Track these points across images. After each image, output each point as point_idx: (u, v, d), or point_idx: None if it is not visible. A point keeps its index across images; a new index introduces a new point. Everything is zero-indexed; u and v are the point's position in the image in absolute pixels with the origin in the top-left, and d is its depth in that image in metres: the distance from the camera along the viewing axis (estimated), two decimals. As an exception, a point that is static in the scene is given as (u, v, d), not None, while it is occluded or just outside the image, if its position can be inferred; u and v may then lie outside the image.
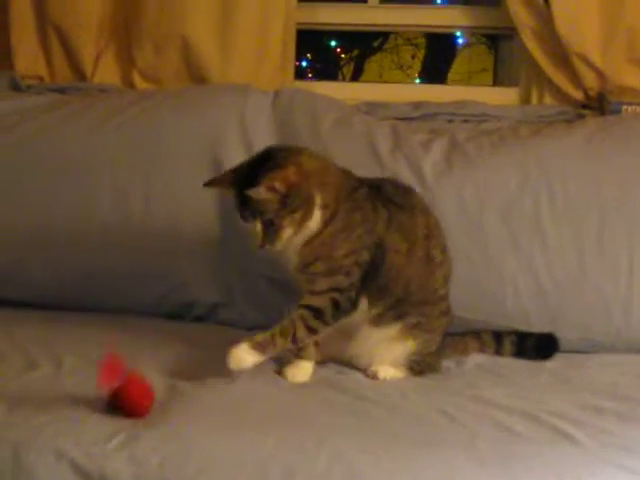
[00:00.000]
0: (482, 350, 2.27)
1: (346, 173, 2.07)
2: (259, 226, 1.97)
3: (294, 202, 1.95)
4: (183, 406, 1.88)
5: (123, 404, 1.81)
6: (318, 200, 1.98)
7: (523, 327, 2.32)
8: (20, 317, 2.41)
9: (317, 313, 1.99)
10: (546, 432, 1.83)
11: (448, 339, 2.19)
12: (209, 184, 2.05)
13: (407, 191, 2.15)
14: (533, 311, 2.34)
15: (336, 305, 1.99)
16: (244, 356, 1.93)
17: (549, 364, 2.23)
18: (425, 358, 2.11)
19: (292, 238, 1.98)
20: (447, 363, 2.18)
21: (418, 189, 2.27)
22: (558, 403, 1.96)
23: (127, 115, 2.55)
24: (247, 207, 1.96)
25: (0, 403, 1.86)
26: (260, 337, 1.95)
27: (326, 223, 1.99)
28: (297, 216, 1.96)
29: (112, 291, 2.48)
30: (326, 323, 2.00)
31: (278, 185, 1.93)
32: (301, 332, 1.98)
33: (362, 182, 2.07)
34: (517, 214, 2.36)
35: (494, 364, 2.21)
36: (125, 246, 2.45)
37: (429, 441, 1.78)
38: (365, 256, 2.01)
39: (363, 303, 2.04)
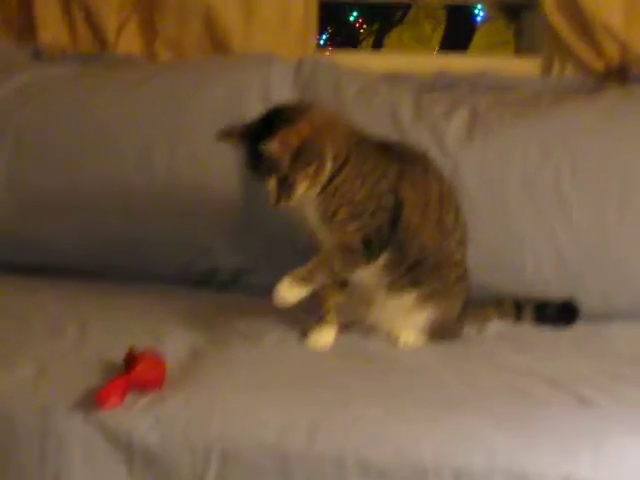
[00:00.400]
0: (502, 317, 2.28)
1: (355, 128, 2.10)
2: (273, 182, 1.99)
3: (307, 156, 1.97)
4: (208, 369, 1.92)
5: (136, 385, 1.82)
6: (329, 152, 2.00)
7: (543, 295, 2.33)
8: (45, 283, 2.43)
9: (350, 249, 2.02)
10: (565, 397, 1.86)
11: (468, 306, 2.21)
12: (221, 136, 2.06)
13: (420, 153, 2.17)
14: (553, 280, 2.35)
15: (368, 243, 2.02)
16: (288, 291, 1.97)
17: (569, 332, 2.25)
18: (445, 324, 2.12)
19: (307, 192, 2.00)
20: (467, 330, 2.20)
21: (440, 159, 2.29)
22: (578, 369, 1.98)
23: (151, 84, 2.57)
24: (260, 163, 1.98)
25: (27, 367, 1.89)
26: (300, 271, 1.98)
27: (338, 172, 2.01)
28: (310, 169, 1.98)
29: (136, 258, 2.50)
30: (360, 260, 2.03)
31: (292, 139, 1.95)
32: (338, 265, 2.01)
33: (371, 137, 2.10)
34: (538, 183, 2.37)
35: (514, 332, 2.22)
36: (149, 212, 2.47)
37: (449, 405, 1.81)
38: (388, 200, 2.03)
39: (383, 258, 2.06)
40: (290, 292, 1.97)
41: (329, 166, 2.01)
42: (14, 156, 2.55)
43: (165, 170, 2.48)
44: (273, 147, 1.94)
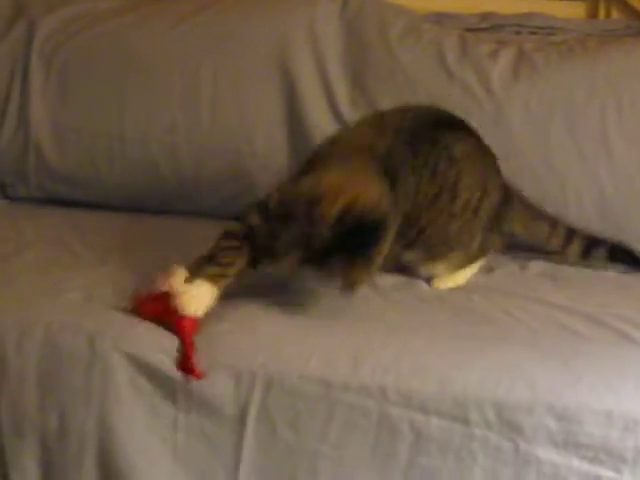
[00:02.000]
0: (549, 239, 2.25)
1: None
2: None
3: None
4: (251, 302, 1.92)
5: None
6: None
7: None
8: (90, 217, 2.46)
9: None
10: (608, 333, 1.87)
11: (522, 209, 2.21)
12: None
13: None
14: (595, 220, 2.34)
15: None
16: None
17: (611, 274, 2.24)
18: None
19: None
20: (511, 268, 2.20)
21: (484, 99, 2.32)
22: (621, 308, 1.98)
23: (196, 20, 2.56)
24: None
25: (76, 293, 1.92)
26: None
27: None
28: None
29: (180, 194, 2.51)
30: None
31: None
32: None
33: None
34: (583, 125, 2.36)
35: (558, 271, 2.21)
36: (193, 148, 2.48)
37: (493, 338, 1.83)
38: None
39: None
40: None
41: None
42: (59, 93, 2.56)
43: (210, 107, 2.48)
44: None
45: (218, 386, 1.78)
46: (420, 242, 2.02)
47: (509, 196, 2.18)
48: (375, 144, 1.97)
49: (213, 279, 1.80)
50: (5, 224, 2.37)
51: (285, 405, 1.76)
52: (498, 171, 2.14)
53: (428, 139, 2.02)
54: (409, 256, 2.05)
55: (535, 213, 2.25)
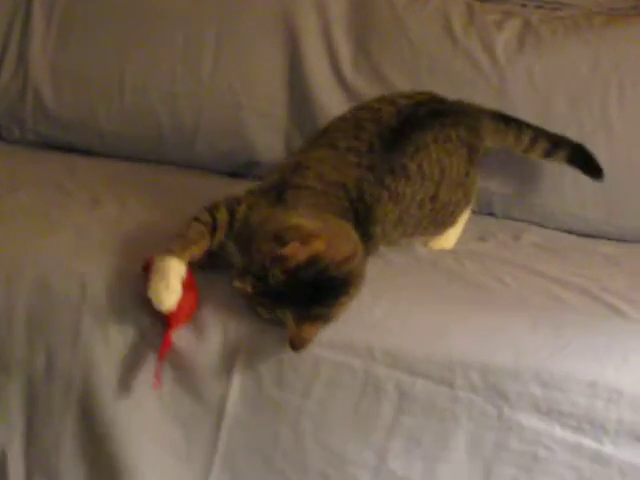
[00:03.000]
0: (515, 145, 2.21)
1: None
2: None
3: None
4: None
5: None
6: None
7: (579, 213, 2.35)
8: (85, 162, 2.45)
9: None
10: (598, 306, 1.87)
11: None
12: None
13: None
14: (591, 198, 2.34)
15: None
16: None
17: (604, 248, 2.25)
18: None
19: None
20: (504, 237, 2.21)
21: (488, 69, 2.34)
22: (611, 282, 1.99)
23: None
24: None
25: (68, 233, 1.91)
26: None
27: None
28: None
29: (177, 145, 2.49)
30: None
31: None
32: None
33: None
34: (585, 102, 2.35)
35: (551, 243, 2.22)
36: (193, 99, 2.46)
37: (482, 303, 1.83)
38: None
39: None
40: None
41: None
42: (59, 38, 2.54)
43: (211, 60, 2.47)
44: None
45: (205, 340, 1.77)
46: (418, 231, 2.03)
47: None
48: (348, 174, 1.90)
49: (176, 252, 1.72)
50: (-1, 164, 2.36)
51: (270, 361, 1.75)
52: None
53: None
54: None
55: (502, 126, 2.20)
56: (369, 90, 2.40)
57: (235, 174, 2.49)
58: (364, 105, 2.11)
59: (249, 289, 1.67)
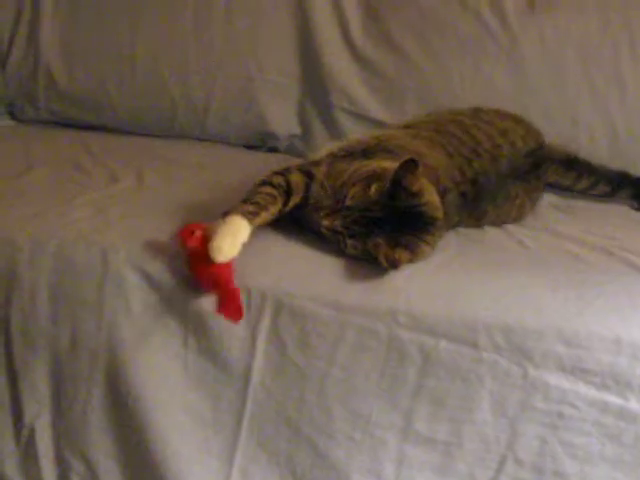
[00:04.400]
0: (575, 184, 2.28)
1: None
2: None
3: None
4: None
5: None
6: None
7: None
8: (100, 139, 2.46)
9: None
10: (618, 264, 1.87)
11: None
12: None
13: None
14: (605, 156, 2.34)
15: None
16: None
17: (621, 208, 2.25)
18: None
19: None
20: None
21: (498, 31, 2.33)
22: (631, 241, 1.99)
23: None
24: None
25: (88, 208, 1.92)
26: None
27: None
28: None
29: (190, 119, 2.51)
30: None
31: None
32: None
33: None
34: (596, 59, 2.36)
35: (569, 204, 2.22)
36: (204, 72, 2.48)
37: (503, 265, 1.83)
38: None
39: None
40: None
41: None
42: (69, 15, 2.56)
43: (222, 32, 2.49)
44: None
45: (229, 307, 1.78)
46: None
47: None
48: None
49: (247, 216, 1.74)
50: (14, 144, 2.38)
51: (295, 326, 1.76)
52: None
53: None
54: None
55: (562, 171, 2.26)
56: (379, 57, 2.40)
57: (249, 146, 2.49)
58: (487, 124, 2.11)
59: (338, 225, 1.74)
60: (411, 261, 1.74)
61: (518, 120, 2.16)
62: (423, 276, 1.77)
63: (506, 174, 2.02)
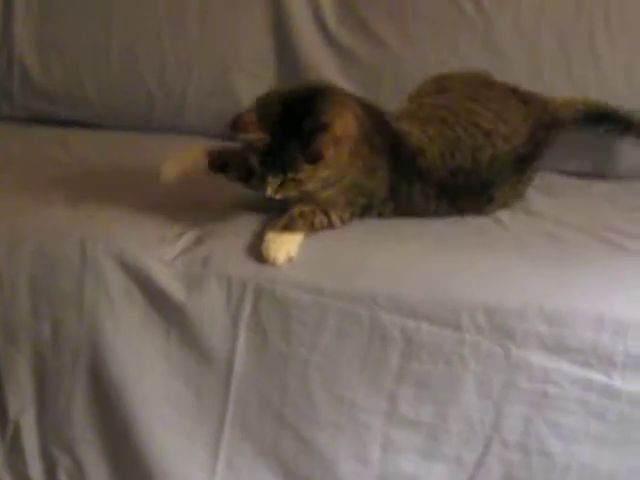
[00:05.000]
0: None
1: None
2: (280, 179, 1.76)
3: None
4: (247, 214, 1.91)
5: None
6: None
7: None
8: (76, 134, 2.44)
9: None
10: (598, 243, 1.87)
11: None
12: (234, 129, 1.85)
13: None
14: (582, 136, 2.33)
15: None
16: None
17: (599, 186, 2.24)
18: None
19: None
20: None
21: (473, 14, 2.32)
22: (610, 219, 1.99)
23: None
24: (282, 159, 1.76)
25: (65, 203, 1.92)
26: None
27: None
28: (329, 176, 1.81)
29: (167, 111, 2.50)
30: None
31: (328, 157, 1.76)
32: None
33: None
34: (572, 38, 2.34)
35: (548, 184, 2.21)
36: (180, 63, 2.47)
37: (483, 246, 1.83)
38: None
39: None
40: None
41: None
42: (42, 9, 2.54)
43: (197, 23, 2.47)
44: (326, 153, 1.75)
45: (209, 296, 1.78)
46: None
47: None
48: None
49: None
50: (-10, 141, 2.36)
51: (276, 313, 1.76)
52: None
53: None
54: None
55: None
56: (355, 43, 2.40)
57: (225, 136, 2.47)
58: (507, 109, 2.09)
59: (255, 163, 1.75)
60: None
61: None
62: (401, 259, 1.77)
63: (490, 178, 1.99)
